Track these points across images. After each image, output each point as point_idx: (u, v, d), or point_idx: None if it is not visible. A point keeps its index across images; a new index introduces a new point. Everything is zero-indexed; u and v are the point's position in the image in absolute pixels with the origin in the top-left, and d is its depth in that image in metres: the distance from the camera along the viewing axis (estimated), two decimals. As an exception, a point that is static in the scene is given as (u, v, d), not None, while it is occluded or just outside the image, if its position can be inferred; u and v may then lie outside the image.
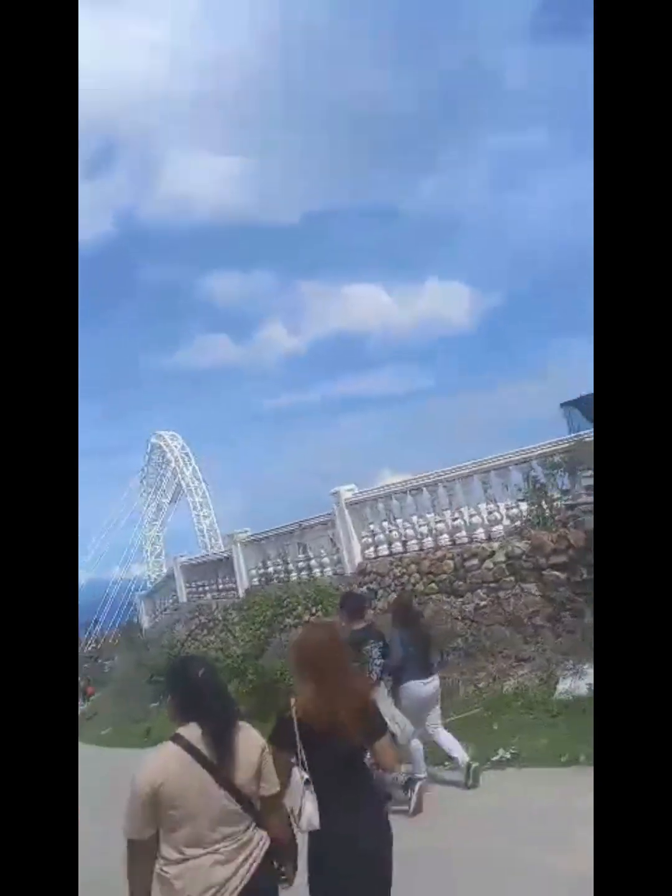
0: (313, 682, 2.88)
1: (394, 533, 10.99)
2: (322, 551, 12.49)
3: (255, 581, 14.43)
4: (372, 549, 11.28)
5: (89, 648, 49.43)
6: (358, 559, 11.43)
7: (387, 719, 4.34)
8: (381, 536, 11.20)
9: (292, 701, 2.90)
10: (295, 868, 2.74)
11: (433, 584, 9.87)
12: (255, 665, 10.68)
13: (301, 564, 12.88)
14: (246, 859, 2.45)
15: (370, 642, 5.71)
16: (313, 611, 11.81)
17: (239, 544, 14.83)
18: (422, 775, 5.89)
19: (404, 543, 10.82)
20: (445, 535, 10.11)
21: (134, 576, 54.07)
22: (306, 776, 2.71)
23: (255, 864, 2.47)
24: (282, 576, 13.38)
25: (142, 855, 2.45)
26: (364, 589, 11.01)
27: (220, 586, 15.70)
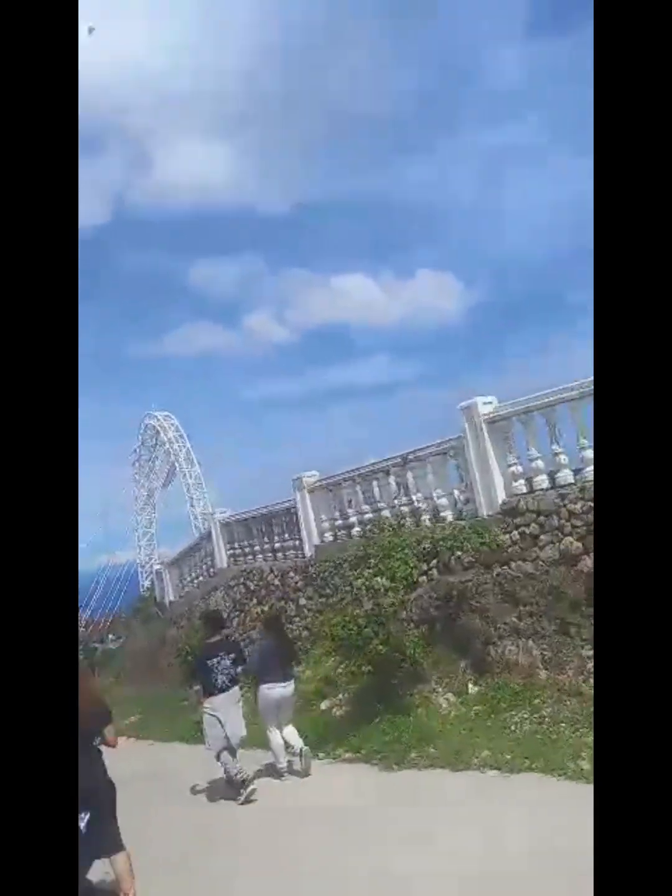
0: None
1: (561, 457, 7.95)
2: (434, 490, 9.43)
3: (328, 536, 11.35)
4: (523, 481, 8.23)
5: (80, 631, 46.56)
6: (501, 496, 8.36)
7: (210, 722, 7.35)
8: (540, 463, 8.15)
9: None
10: None
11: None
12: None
13: (404, 509, 9.79)
14: None
15: (220, 655, 7.29)
16: (427, 567, 8.79)
17: (305, 491, 11.72)
18: (281, 764, 7.35)
19: (577, 471, 7.81)
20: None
21: (124, 562, 53.05)
22: None
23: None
24: (370, 526, 10.26)
25: None
26: (513, 534, 8.01)
27: (276, 545, 12.60)
